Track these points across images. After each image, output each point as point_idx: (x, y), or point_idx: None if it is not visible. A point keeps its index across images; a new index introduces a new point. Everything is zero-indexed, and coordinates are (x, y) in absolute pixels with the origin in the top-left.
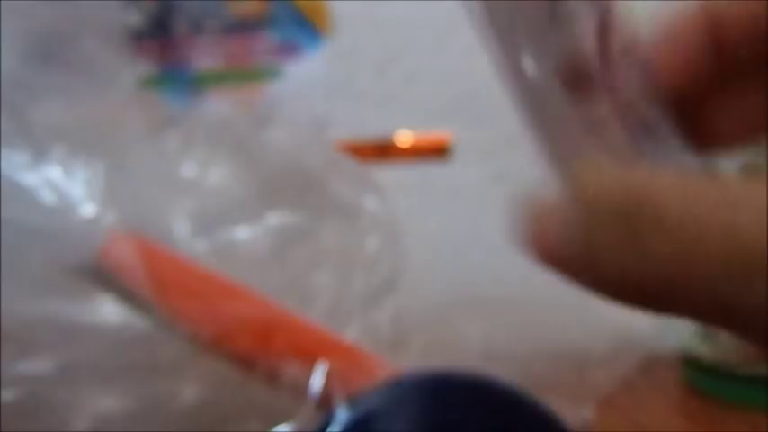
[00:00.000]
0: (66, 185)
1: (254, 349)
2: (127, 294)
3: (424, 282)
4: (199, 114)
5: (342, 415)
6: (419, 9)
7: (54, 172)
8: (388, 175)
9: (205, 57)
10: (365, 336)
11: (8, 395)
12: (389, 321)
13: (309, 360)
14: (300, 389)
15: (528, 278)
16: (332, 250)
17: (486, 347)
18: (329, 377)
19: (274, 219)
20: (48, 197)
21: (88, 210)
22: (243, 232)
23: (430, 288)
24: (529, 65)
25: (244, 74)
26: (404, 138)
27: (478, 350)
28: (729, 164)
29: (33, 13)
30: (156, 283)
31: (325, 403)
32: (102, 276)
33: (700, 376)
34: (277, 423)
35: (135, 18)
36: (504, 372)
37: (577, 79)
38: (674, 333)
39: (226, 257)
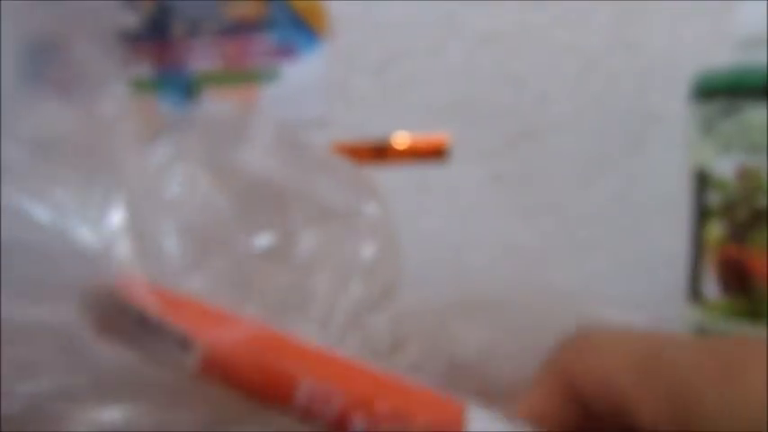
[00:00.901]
0: (63, 201)
1: (256, 375)
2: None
3: (421, 284)
4: (195, 117)
5: None
6: (417, 10)
7: (51, 186)
8: (385, 176)
9: (202, 58)
10: (363, 341)
11: (7, 409)
12: (388, 325)
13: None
14: (313, 413)
15: (526, 281)
16: (328, 256)
17: (483, 350)
18: (345, 402)
19: (268, 225)
20: (43, 215)
21: (85, 232)
22: (236, 240)
23: (427, 290)
24: None
25: (241, 75)
26: (401, 139)
27: (476, 353)
28: (725, 164)
29: (27, 15)
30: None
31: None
32: (115, 306)
33: None
34: None
35: (132, 20)
36: (501, 374)
37: None
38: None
39: (220, 266)
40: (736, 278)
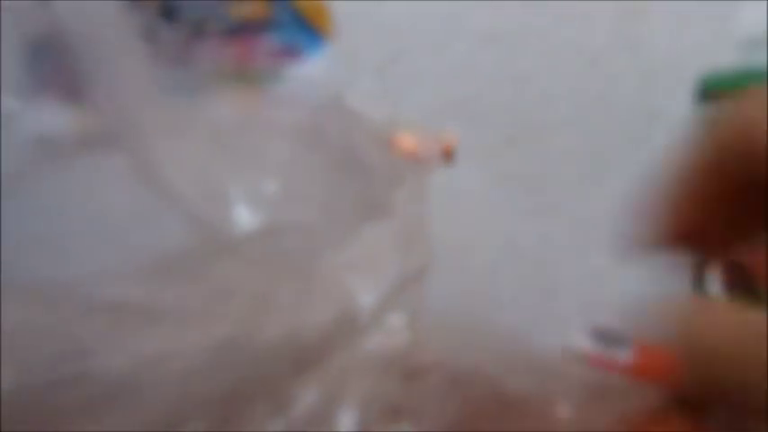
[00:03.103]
0: None
1: None
2: None
3: (426, 286)
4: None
5: None
6: (420, 10)
7: None
8: None
9: (205, 59)
10: (383, 337)
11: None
12: (410, 323)
13: None
14: None
15: (529, 282)
16: (359, 249)
17: (487, 351)
18: None
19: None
20: None
21: None
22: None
23: (429, 291)
24: None
25: (245, 76)
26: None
27: (481, 354)
28: None
29: (30, 16)
30: None
31: None
32: None
33: None
34: None
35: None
36: (510, 371)
37: None
38: None
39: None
40: (740, 277)
